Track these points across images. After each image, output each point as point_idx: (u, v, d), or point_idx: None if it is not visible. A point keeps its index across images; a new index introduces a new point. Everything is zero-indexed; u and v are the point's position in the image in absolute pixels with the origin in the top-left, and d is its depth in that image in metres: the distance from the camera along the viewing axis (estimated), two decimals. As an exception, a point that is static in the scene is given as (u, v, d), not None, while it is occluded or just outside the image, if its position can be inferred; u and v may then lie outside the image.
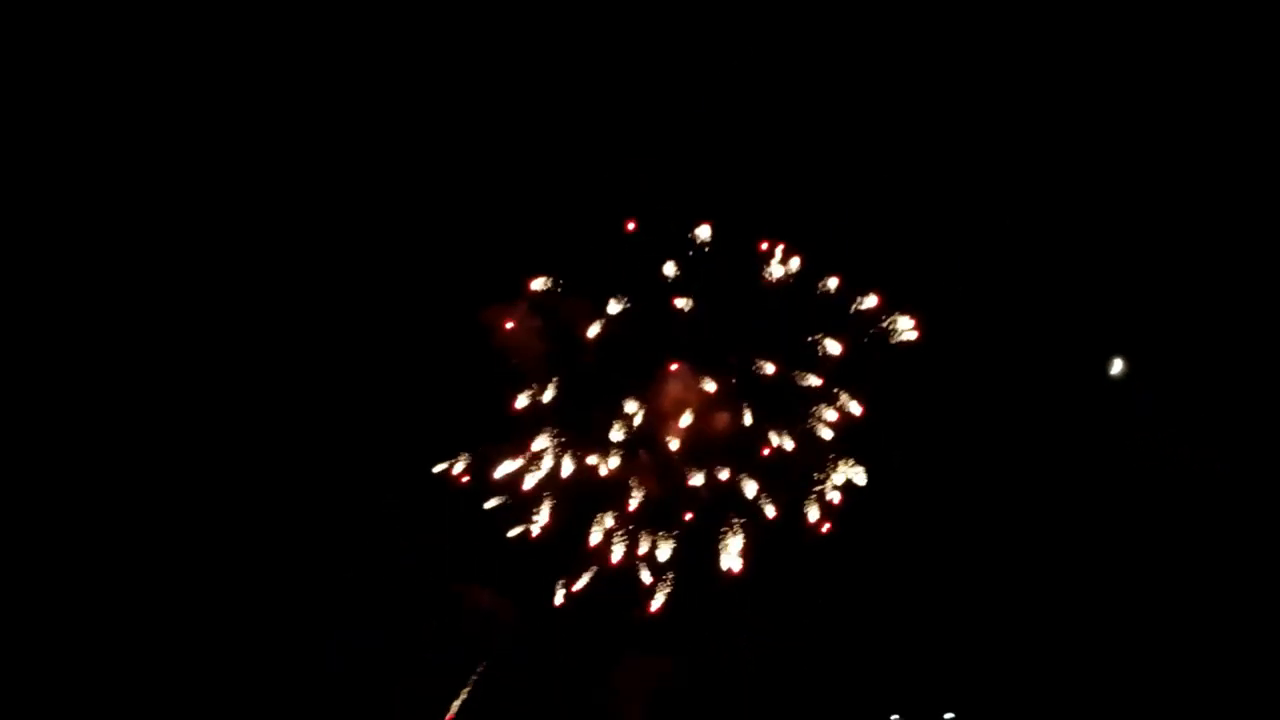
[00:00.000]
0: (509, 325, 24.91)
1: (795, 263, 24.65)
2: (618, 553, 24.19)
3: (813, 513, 24.18)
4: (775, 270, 24.66)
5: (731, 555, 23.99)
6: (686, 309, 24.81)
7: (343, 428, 25.30)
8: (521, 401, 24.69)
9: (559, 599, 24.45)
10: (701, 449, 24.49)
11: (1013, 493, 24.73)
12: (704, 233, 24.82)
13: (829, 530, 24.26)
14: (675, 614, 24.43)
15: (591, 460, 24.56)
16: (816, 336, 24.44)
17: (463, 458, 24.73)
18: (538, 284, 24.92)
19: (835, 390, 24.36)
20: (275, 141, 25.44)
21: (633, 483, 24.53)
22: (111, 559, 24.44)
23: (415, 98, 25.53)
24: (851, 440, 24.29)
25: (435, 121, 25.61)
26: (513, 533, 24.59)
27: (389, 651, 24.85)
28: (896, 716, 25.00)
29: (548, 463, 24.56)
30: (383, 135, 25.56)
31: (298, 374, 25.50)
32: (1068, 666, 24.27)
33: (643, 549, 24.27)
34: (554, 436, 24.65)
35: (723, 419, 24.52)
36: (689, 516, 24.47)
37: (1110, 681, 23.88)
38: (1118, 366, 24.70)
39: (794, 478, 24.30)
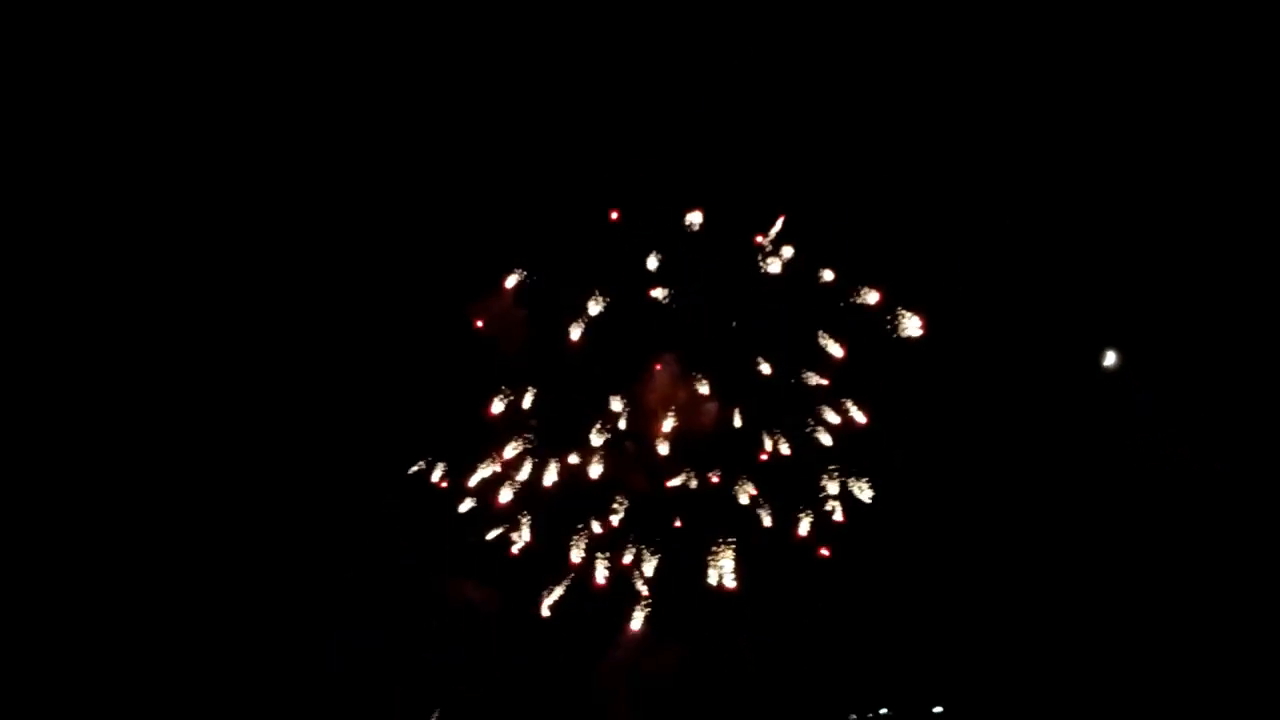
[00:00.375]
0: (479, 324, 24.49)
1: (789, 250, 23.96)
2: (601, 567, 23.89)
3: (812, 530, 23.74)
4: (772, 265, 24.04)
5: (725, 571, 23.58)
6: (675, 303, 24.31)
7: (342, 428, 25.06)
8: (498, 406, 24.31)
9: (546, 611, 24.34)
10: (691, 453, 24.11)
11: (1010, 490, 24.36)
12: (695, 219, 24.09)
13: (828, 555, 23.96)
14: (670, 614, 24.26)
15: (573, 460, 24.15)
16: (816, 333, 23.92)
17: (440, 464, 24.48)
18: (511, 281, 24.40)
19: (836, 394, 23.82)
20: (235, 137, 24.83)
21: (617, 496, 24.15)
22: (110, 560, 24.39)
23: (381, 87, 24.74)
24: (853, 446, 23.76)
25: (406, 112, 24.75)
26: (491, 535, 24.37)
27: (389, 651, 24.82)
28: (886, 710, 24.83)
29: (527, 469, 24.23)
30: (350, 128, 24.82)
31: (295, 374, 25.25)
32: (1062, 665, 24.03)
33: (628, 559, 23.95)
34: (532, 443, 24.32)
35: (714, 421, 24.03)
36: (678, 524, 24.12)
37: (1107, 681, 23.66)
38: (1110, 359, 24.22)
39: (791, 487, 23.82)
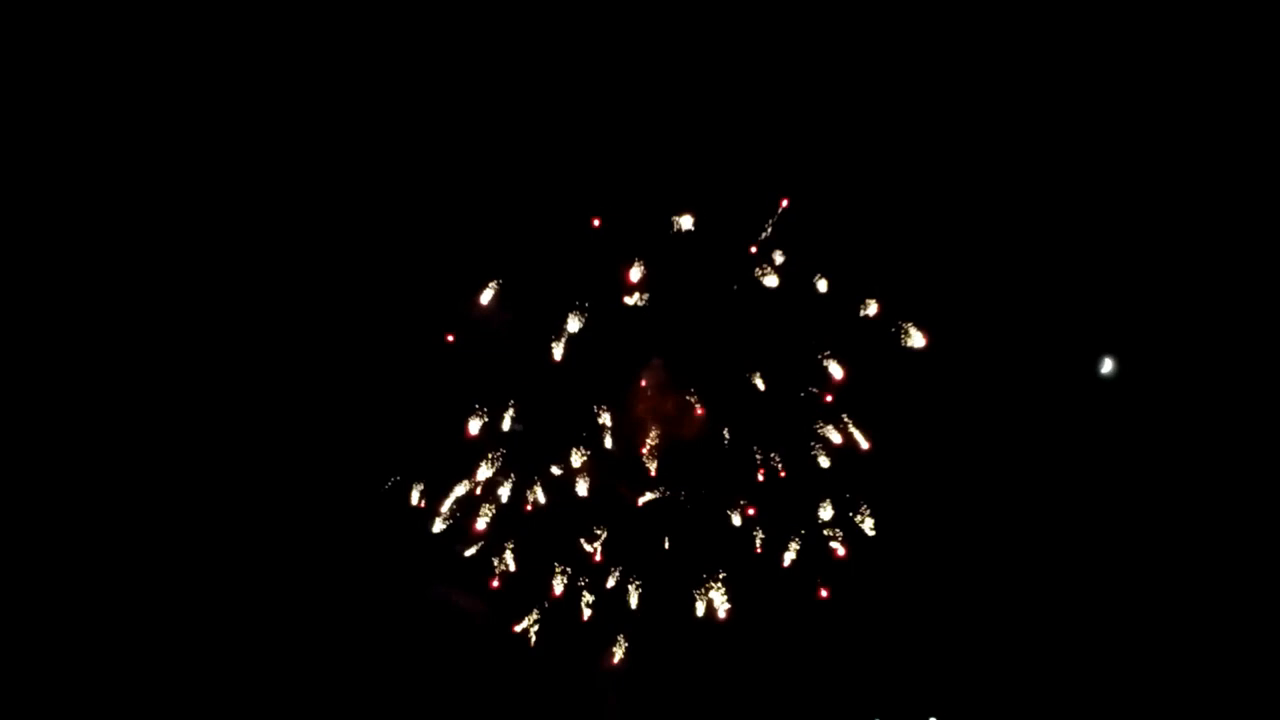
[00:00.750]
0: (450, 339, 23.66)
1: (780, 257, 22.88)
2: (585, 599, 23.38)
3: (808, 560, 23.06)
4: (766, 276, 22.99)
5: (716, 602, 22.97)
6: (661, 312, 23.34)
7: (343, 431, 24.57)
8: (475, 426, 23.44)
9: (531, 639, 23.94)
10: (680, 469, 23.43)
11: (1006, 494, 23.95)
12: (686, 223, 22.99)
13: (827, 596, 23.35)
14: (660, 620, 23.82)
15: (556, 475, 23.50)
16: (812, 345, 23.04)
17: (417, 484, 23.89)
18: (487, 294, 23.31)
19: (836, 411, 23.00)
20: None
21: (599, 524, 23.51)
22: (110, 562, 24.16)
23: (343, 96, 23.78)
24: (855, 468, 22.97)
25: (374, 121, 23.75)
26: (471, 552, 23.89)
27: (388, 651, 24.61)
28: None
29: (507, 492, 23.54)
30: (316, 138, 23.86)
31: (295, 378, 24.72)
32: (1060, 670, 23.91)
33: (612, 582, 23.41)
34: (502, 461, 23.55)
35: (701, 429, 23.28)
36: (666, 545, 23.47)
37: (1106, 685, 23.62)
38: (1108, 366, 23.68)
39: (787, 515, 23.08)
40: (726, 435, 23.36)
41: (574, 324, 23.11)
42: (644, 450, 23.44)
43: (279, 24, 23.47)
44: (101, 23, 23.46)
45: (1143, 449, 23.41)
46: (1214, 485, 23.19)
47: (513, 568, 23.69)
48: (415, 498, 23.92)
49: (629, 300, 23.38)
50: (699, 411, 23.37)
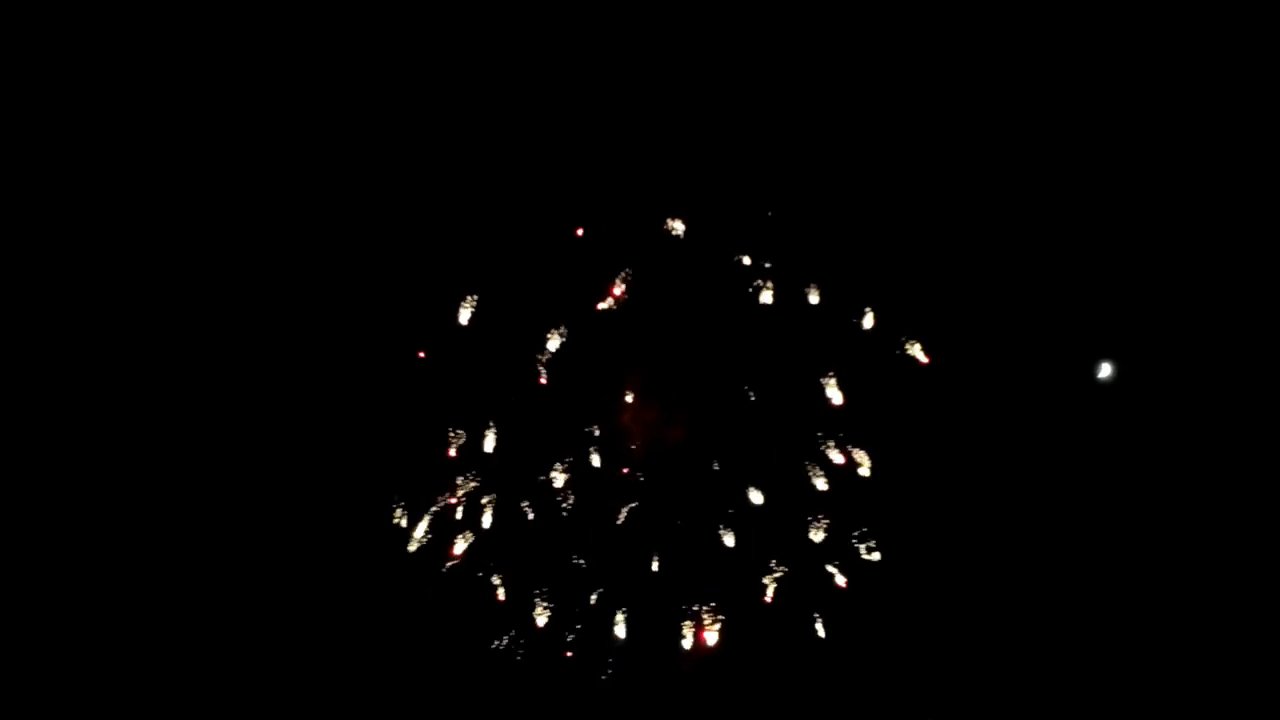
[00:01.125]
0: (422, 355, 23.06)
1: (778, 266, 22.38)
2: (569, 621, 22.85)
3: (806, 593, 22.33)
4: (762, 291, 22.39)
5: (708, 629, 22.34)
6: (649, 325, 22.73)
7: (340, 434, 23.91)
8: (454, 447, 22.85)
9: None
10: (669, 490, 22.71)
11: (1003, 498, 23.31)
12: (677, 227, 22.45)
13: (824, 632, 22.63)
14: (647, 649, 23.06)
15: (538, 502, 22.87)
16: (810, 357, 22.44)
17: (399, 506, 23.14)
18: (466, 309, 22.60)
19: (839, 431, 22.31)
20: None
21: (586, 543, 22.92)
22: (107, 564, 23.56)
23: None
24: (853, 491, 22.28)
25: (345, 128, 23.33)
26: (447, 565, 23.19)
27: (387, 651, 23.88)
28: None
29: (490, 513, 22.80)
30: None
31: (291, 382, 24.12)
32: (1061, 676, 23.31)
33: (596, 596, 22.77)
34: (480, 481, 22.94)
35: (695, 456, 22.65)
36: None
37: (1107, 690, 23.11)
38: (1106, 370, 23.25)
39: (782, 539, 22.41)
40: (719, 451, 22.84)
41: (555, 342, 22.60)
42: (629, 469, 22.99)
43: (232, 41, 23.29)
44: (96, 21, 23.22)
45: (1167, 471, 22.98)
46: (1241, 521, 22.80)
47: (501, 595, 23.11)
48: (396, 516, 23.29)
49: (613, 307, 22.87)
50: (690, 424, 22.92)
